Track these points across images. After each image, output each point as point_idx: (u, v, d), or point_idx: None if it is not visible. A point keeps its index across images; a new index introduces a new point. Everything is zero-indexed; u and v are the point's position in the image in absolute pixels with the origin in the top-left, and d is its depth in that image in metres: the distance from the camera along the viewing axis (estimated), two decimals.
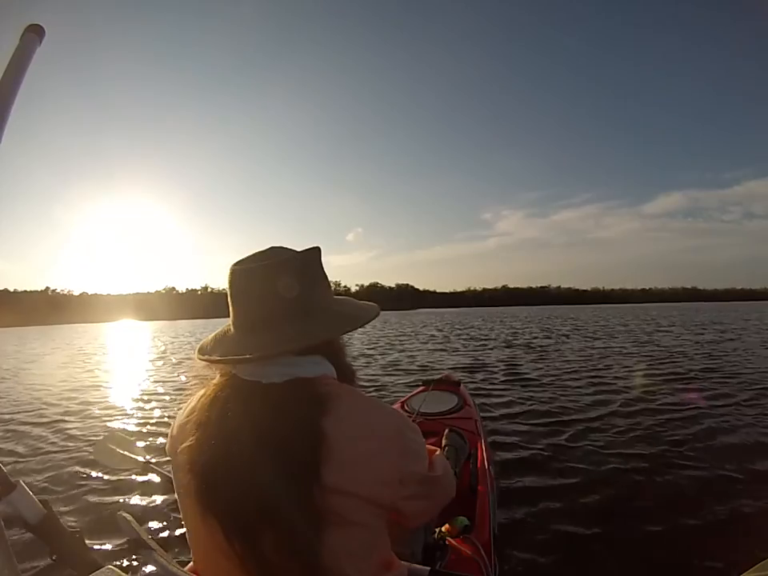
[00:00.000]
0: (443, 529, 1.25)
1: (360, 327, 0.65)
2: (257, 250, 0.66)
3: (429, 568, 0.85)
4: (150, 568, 0.65)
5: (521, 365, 7.30)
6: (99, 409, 5.07)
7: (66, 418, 4.59)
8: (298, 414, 0.57)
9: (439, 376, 2.78)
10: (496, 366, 7.19)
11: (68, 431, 4.08)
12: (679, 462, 2.76)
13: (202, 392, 0.67)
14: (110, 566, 0.52)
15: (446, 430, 1.78)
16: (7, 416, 4.85)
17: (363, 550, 0.58)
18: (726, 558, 1.73)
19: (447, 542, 1.14)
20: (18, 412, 5.03)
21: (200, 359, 0.66)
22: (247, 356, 0.59)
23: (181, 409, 0.70)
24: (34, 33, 0.69)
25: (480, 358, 8.49)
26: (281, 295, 0.61)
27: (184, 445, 0.61)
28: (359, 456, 0.57)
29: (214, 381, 0.66)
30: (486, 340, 12.59)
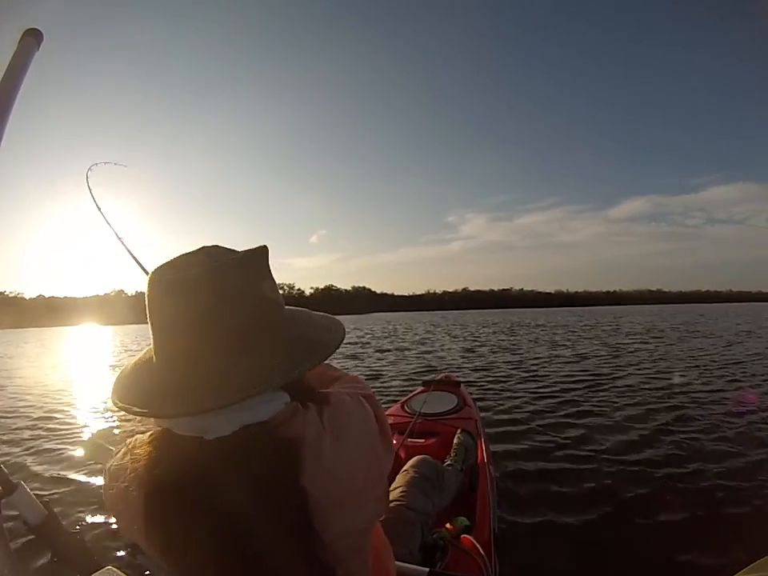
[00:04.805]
0: (443, 529, 1.26)
1: (330, 356, 0.51)
2: (183, 252, 0.49)
3: (427, 569, 0.85)
4: (150, 568, 0.64)
5: (519, 366, 7.30)
6: (98, 409, 5.08)
7: (67, 419, 4.60)
8: (269, 478, 0.44)
9: (439, 377, 2.79)
10: (495, 367, 7.18)
11: (68, 432, 4.08)
12: (681, 464, 2.75)
13: (133, 443, 0.50)
14: (111, 567, 0.52)
15: (458, 430, 1.89)
16: (7, 417, 4.86)
17: (362, 569, 0.54)
18: (723, 559, 1.73)
19: (447, 542, 1.15)
20: (17, 414, 5.04)
21: (119, 407, 0.47)
22: (182, 411, 0.44)
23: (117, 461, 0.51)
24: (32, 37, 0.69)
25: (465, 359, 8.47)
26: (220, 314, 0.45)
27: (137, 520, 0.46)
28: (350, 498, 0.49)
29: (146, 432, 0.50)
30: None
